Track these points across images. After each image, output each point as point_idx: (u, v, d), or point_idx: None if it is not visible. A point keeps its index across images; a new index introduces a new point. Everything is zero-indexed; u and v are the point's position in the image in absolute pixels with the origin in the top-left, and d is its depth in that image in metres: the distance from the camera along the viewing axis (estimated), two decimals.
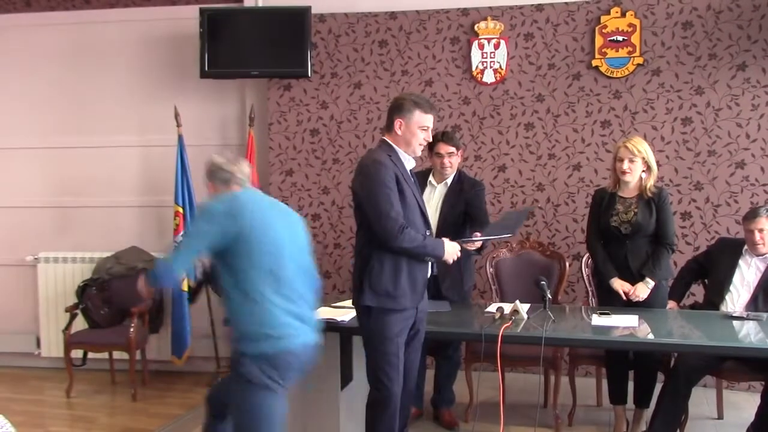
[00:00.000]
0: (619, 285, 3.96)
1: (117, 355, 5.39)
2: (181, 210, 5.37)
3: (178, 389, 5.34)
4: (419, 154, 3.36)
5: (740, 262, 4.13)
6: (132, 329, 5.06)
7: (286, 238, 2.86)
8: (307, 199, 5.56)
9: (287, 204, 5.44)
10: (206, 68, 5.35)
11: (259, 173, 5.48)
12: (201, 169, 5.44)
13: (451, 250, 3.31)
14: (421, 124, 3.25)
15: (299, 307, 2.83)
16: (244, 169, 3.05)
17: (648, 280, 3.92)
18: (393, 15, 5.39)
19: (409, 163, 3.33)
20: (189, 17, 5.44)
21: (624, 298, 3.94)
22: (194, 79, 5.47)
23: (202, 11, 5.32)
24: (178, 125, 5.36)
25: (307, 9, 5.27)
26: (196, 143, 5.52)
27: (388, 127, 3.30)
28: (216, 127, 5.74)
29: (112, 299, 5.34)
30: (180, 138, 5.38)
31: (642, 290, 3.91)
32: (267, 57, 5.35)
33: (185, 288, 5.35)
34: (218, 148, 5.68)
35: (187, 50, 5.56)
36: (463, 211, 4.25)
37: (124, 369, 5.27)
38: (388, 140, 3.30)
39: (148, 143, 5.73)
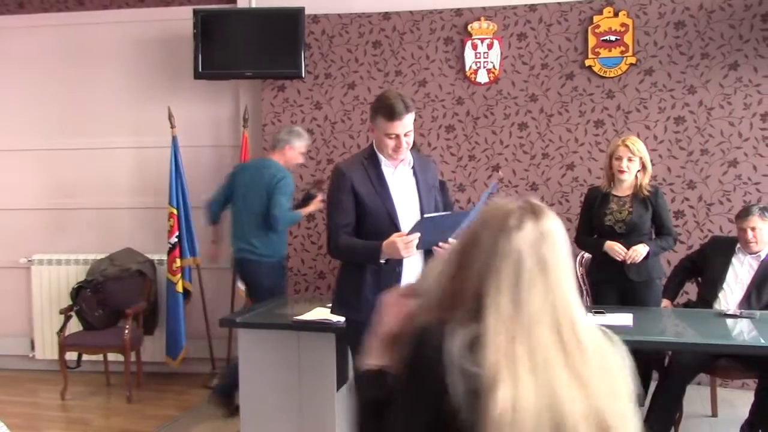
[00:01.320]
0: (613, 244, 3.95)
1: (112, 356, 5.37)
2: (175, 211, 5.36)
3: (173, 390, 5.33)
4: (397, 158, 3.11)
5: (733, 260, 4.15)
6: (127, 331, 5.05)
7: None
8: None
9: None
10: (200, 69, 5.34)
11: None
12: (194, 170, 5.54)
13: (393, 248, 2.93)
14: (386, 131, 3.02)
15: None
16: None
17: (644, 244, 3.93)
18: (386, 15, 5.40)
19: (399, 166, 3.13)
20: (182, 18, 5.43)
21: (621, 257, 3.93)
22: (188, 80, 5.46)
23: (195, 12, 5.32)
24: (172, 126, 5.36)
25: (301, 10, 5.27)
26: (190, 144, 5.53)
27: None
28: (210, 128, 5.73)
29: (107, 301, 5.33)
30: (174, 139, 5.37)
31: (640, 249, 3.90)
32: (261, 58, 5.35)
33: (180, 289, 5.36)
34: (212, 149, 5.73)
35: (180, 51, 5.55)
36: None
37: (119, 371, 5.25)
38: (374, 142, 3.17)
39: (142, 144, 5.73)
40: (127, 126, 5.78)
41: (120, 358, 5.19)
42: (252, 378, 3.59)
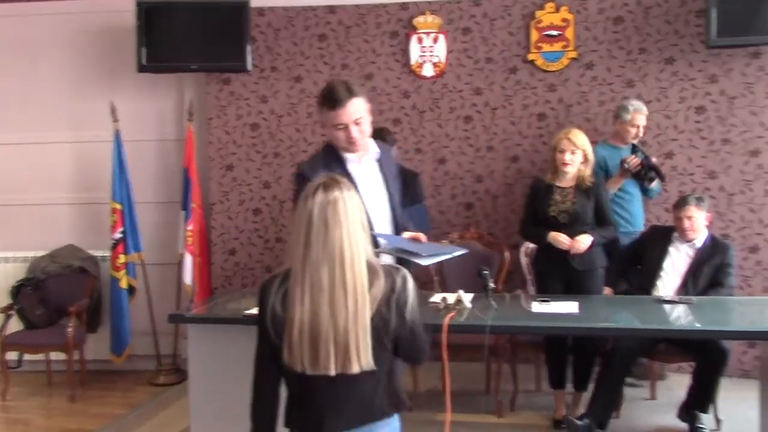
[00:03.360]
0: (557, 235, 4.04)
1: (54, 356, 5.27)
2: (119, 207, 5.28)
3: (118, 388, 5.26)
4: (355, 151, 2.92)
5: (670, 248, 4.30)
6: (69, 329, 4.95)
7: None
8: (248, 193, 5.53)
9: (227, 199, 5.47)
10: (143, 62, 5.25)
11: (198, 168, 5.44)
12: (138, 164, 5.45)
13: None
14: (333, 123, 2.82)
15: None
16: None
17: (588, 234, 4.02)
18: (332, 9, 5.40)
19: (362, 159, 2.97)
20: (125, 10, 5.34)
21: (566, 246, 4.01)
22: (131, 73, 5.37)
23: (138, 4, 5.22)
24: (115, 120, 5.26)
25: (246, 2, 5.23)
26: (133, 138, 5.45)
27: None
28: (154, 122, 5.65)
29: (48, 299, 5.22)
30: (117, 133, 5.28)
31: (584, 239, 3.99)
32: (205, 51, 5.29)
33: (124, 285, 5.28)
34: (156, 143, 5.66)
35: (123, 44, 5.44)
36: None
37: (62, 370, 5.16)
38: None
39: (84, 139, 5.61)
40: (68, 120, 5.66)
41: (62, 357, 5.09)
42: (202, 374, 3.55)
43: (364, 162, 2.97)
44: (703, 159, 5.03)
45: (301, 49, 5.44)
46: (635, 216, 4.76)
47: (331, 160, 2.92)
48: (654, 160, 4.65)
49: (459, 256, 3.20)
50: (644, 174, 4.60)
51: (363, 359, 1.92)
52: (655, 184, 4.70)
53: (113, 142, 5.28)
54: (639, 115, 4.69)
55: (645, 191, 4.78)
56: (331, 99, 2.78)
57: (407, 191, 4.34)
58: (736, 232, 4.98)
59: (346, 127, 2.81)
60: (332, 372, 1.93)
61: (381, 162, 3.01)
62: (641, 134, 4.75)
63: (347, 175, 2.75)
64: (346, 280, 1.90)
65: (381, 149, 3.07)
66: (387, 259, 2.87)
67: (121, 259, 5.28)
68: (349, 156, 2.93)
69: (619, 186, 4.63)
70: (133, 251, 5.35)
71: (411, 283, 2.03)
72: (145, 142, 5.62)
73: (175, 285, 5.43)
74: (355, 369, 1.92)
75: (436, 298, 3.80)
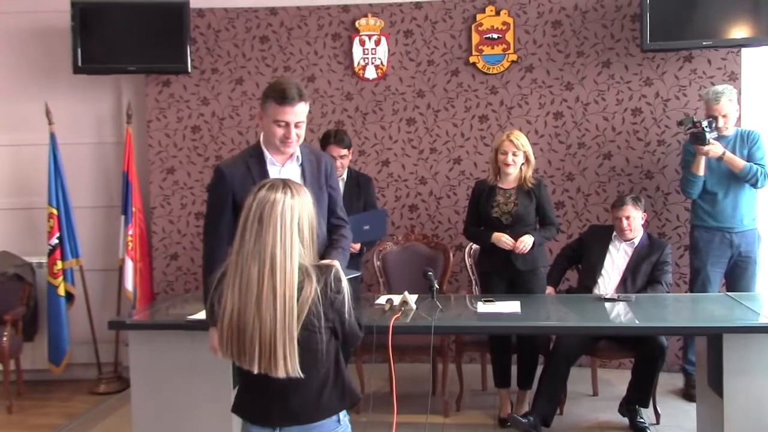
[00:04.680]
0: (500, 235, 4.08)
1: None
2: (55, 211, 5.14)
3: (56, 398, 5.12)
4: (286, 151, 2.92)
5: (610, 247, 4.39)
6: (5, 338, 4.80)
7: None
8: (189, 197, 5.45)
9: (168, 203, 5.38)
10: (79, 63, 5.13)
11: (138, 172, 5.34)
12: (75, 168, 5.32)
13: None
14: (276, 118, 2.83)
15: None
16: None
17: (530, 235, 4.07)
18: (273, 11, 5.36)
19: (287, 163, 2.96)
20: (60, 10, 5.21)
21: (510, 247, 4.05)
22: (66, 74, 5.25)
23: (73, 3, 5.10)
24: (50, 123, 5.12)
25: (185, 3, 5.16)
26: (70, 142, 5.33)
27: None
28: (91, 125, 5.53)
29: None
30: (52, 136, 5.14)
31: (527, 240, 4.04)
32: (144, 52, 5.19)
33: (62, 292, 5.14)
34: (94, 146, 5.54)
35: (58, 44, 5.32)
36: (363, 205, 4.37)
37: None
38: (261, 138, 2.99)
39: (18, 142, 5.45)
40: (1, 122, 5.50)
41: None
42: (144, 381, 3.49)
43: (287, 166, 2.97)
44: (640, 160, 5.16)
45: (243, 50, 5.39)
46: (722, 213, 4.52)
47: (252, 159, 2.95)
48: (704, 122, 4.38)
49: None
50: (701, 134, 4.33)
51: (289, 366, 1.93)
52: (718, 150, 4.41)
53: (49, 145, 5.14)
54: (711, 104, 4.49)
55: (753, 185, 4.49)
56: (282, 94, 2.79)
57: (361, 195, 4.40)
58: (672, 230, 5.12)
59: (287, 125, 2.83)
60: (255, 370, 1.96)
61: (303, 167, 3.00)
62: (726, 123, 4.48)
63: (264, 177, 2.79)
64: (276, 285, 1.92)
65: (313, 157, 3.06)
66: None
67: (59, 265, 5.14)
68: (270, 158, 2.94)
69: (702, 165, 4.45)
70: (71, 257, 5.22)
71: (344, 281, 2.05)
72: (83, 145, 5.49)
73: (115, 291, 5.32)
74: (281, 374, 1.94)
75: (382, 299, 3.80)
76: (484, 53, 5.26)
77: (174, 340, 3.44)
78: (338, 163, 4.23)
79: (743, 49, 5.00)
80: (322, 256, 2.81)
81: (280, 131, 2.84)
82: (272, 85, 2.88)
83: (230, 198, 2.88)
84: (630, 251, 4.34)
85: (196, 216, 5.42)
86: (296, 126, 2.85)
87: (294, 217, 1.97)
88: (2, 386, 4.89)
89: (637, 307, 3.69)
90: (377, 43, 5.32)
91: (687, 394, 4.60)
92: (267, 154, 2.94)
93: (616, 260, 4.35)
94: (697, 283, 4.59)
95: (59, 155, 5.17)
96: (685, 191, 4.64)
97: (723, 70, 5.03)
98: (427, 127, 5.34)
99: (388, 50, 5.32)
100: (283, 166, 2.96)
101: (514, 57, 5.24)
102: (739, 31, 4.78)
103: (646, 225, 4.45)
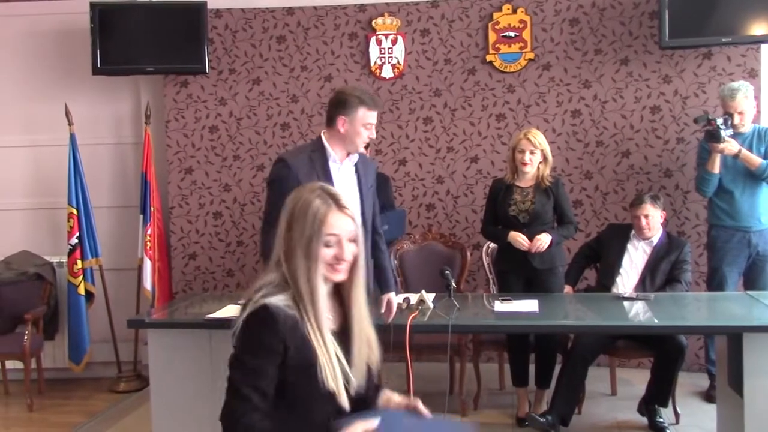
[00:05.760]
0: (516, 235, 4.06)
1: (10, 364, 5.17)
2: (75, 211, 5.18)
3: (77, 397, 5.17)
4: (361, 150, 3.33)
5: (628, 246, 4.37)
6: (26, 337, 4.85)
7: None
8: (207, 197, 5.48)
9: (187, 203, 5.41)
10: (98, 64, 5.17)
11: (156, 172, 5.38)
12: (95, 168, 5.37)
13: None
14: (366, 122, 3.22)
15: None
16: None
17: (547, 233, 4.05)
18: (290, 11, 5.38)
19: (345, 161, 3.28)
20: (79, 11, 5.26)
21: (525, 247, 4.03)
22: (86, 75, 5.29)
23: (92, 5, 5.14)
24: (70, 123, 5.17)
25: (203, 4, 5.19)
26: (89, 142, 5.37)
27: (329, 122, 3.28)
28: (110, 125, 5.58)
29: (4, 306, 5.10)
30: (72, 137, 5.19)
31: (544, 238, 4.01)
32: (162, 53, 5.23)
33: (82, 291, 5.19)
34: (113, 146, 5.58)
35: (78, 46, 5.37)
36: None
37: (19, 379, 5.06)
38: (322, 136, 3.28)
39: (39, 143, 5.51)
40: (21, 124, 5.56)
41: (19, 365, 5.00)
42: (164, 379, 3.52)
43: (345, 164, 3.29)
44: (658, 158, 5.13)
45: (260, 51, 5.41)
46: (739, 212, 4.47)
47: (315, 154, 3.23)
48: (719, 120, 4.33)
49: None
50: (716, 132, 4.28)
51: None
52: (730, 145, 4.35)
53: (68, 146, 5.19)
54: (727, 101, 4.45)
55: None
56: (374, 101, 3.25)
57: (380, 194, 4.40)
58: (691, 229, 5.08)
59: (372, 127, 3.23)
60: None
61: (358, 168, 3.33)
62: (742, 120, 4.44)
63: (325, 172, 3.19)
64: None
65: (364, 160, 3.43)
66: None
67: (79, 264, 5.18)
68: (332, 155, 3.24)
69: (717, 162, 4.40)
70: (90, 256, 5.26)
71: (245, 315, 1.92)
72: (102, 145, 5.54)
73: (134, 290, 5.35)
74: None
75: (399, 298, 3.80)
76: (501, 51, 5.25)
77: (192, 339, 3.46)
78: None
79: (763, 46, 4.96)
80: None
81: (367, 133, 3.23)
82: (357, 92, 3.24)
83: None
84: (649, 250, 4.31)
85: (214, 216, 5.45)
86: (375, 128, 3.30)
87: (313, 212, 2.07)
88: (23, 384, 4.94)
89: (656, 306, 3.67)
90: (394, 42, 5.32)
91: (709, 396, 4.50)
92: (330, 150, 3.25)
93: (635, 259, 4.33)
94: (714, 282, 4.55)
95: (79, 155, 5.21)
96: (700, 189, 4.60)
97: (743, 66, 4.98)
98: (444, 126, 5.34)
99: (405, 49, 5.32)
100: (342, 165, 3.28)
101: (531, 55, 5.22)
102: (759, 28, 4.73)
103: (665, 223, 4.42)
